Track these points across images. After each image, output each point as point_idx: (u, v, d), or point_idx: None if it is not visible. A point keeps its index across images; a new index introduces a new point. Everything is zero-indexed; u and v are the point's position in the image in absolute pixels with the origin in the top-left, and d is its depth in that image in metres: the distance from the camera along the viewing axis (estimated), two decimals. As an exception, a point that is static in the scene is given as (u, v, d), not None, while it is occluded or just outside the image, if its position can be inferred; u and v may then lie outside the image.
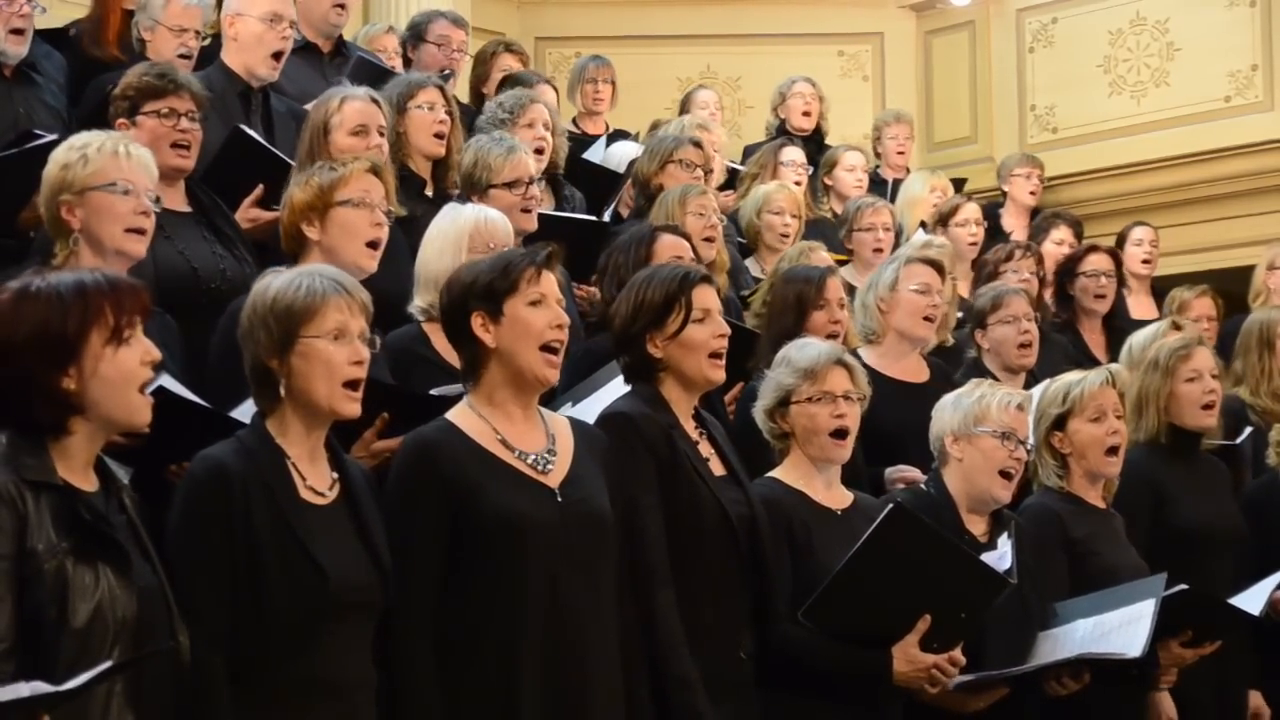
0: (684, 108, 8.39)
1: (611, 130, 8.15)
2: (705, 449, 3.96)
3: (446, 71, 6.85)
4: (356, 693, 3.24)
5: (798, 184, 7.43)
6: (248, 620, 3.13)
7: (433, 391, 3.83)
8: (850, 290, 5.55)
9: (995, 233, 8.16)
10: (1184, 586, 4.35)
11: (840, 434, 4.13)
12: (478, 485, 3.43)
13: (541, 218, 5.22)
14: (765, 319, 5.34)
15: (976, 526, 4.39)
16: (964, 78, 10.64)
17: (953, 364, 5.59)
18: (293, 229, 4.19)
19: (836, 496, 4.20)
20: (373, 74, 6.09)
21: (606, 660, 3.49)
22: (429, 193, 5.31)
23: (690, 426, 3.95)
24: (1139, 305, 7.77)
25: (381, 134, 4.93)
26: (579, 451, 3.61)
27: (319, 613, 3.16)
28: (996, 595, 4.07)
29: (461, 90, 7.56)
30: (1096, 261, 7.09)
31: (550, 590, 3.42)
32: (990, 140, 10.42)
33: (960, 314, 6.08)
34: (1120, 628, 4.22)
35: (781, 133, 8.51)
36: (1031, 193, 8.81)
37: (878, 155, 8.97)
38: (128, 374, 2.92)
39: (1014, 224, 8.61)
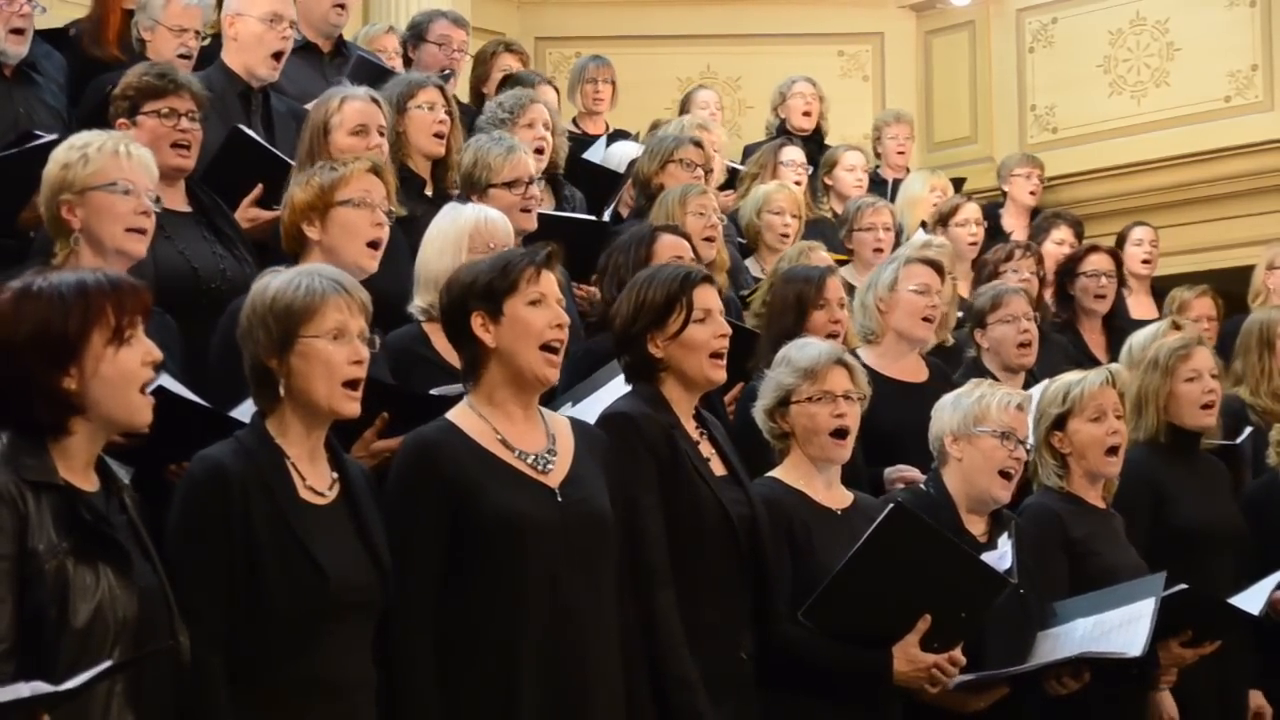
0: (684, 108, 8.39)
1: (611, 130, 8.15)
2: (706, 449, 3.95)
3: (447, 71, 6.85)
4: (356, 693, 3.24)
5: (797, 184, 7.43)
6: (247, 620, 3.13)
7: (433, 391, 3.83)
8: (850, 290, 5.55)
9: (995, 233, 8.16)
10: (1184, 586, 4.35)
11: (840, 434, 4.13)
12: (478, 485, 3.43)
13: (541, 217, 5.22)
14: (765, 319, 5.34)
15: (976, 526, 4.39)
16: (964, 78, 10.64)
17: (953, 364, 5.59)
18: (293, 229, 4.20)
19: (837, 496, 4.20)
20: (373, 74, 6.09)
21: (607, 660, 3.49)
22: (429, 192, 5.31)
23: (691, 426, 3.95)
24: (1139, 305, 7.77)
25: (381, 134, 4.93)
26: (579, 451, 3.61)
27: (319, 613, 3.16)
28: (997, 595, 4.08)
29: (462, 90, 7.56)
30: (1097, 262, 7.09)
31: (550, 590, 3.42)
32: (990, 140, 10.42)
33: (960, 314, 6.08)
34: (1120, 627, 4.22)
35: (782, 132, 8.51)
36: (1031, 193, 8.81)
37: (878, 155, 8.97)
38: (129, 374, 2.92)
39: (1014, 224, 8.61)
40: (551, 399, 4.07)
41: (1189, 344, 5.26)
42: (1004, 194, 8.88)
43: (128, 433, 3.01)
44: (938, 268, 5.42)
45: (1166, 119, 9.72)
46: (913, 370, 5.31)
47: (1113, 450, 4.66)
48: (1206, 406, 5.15)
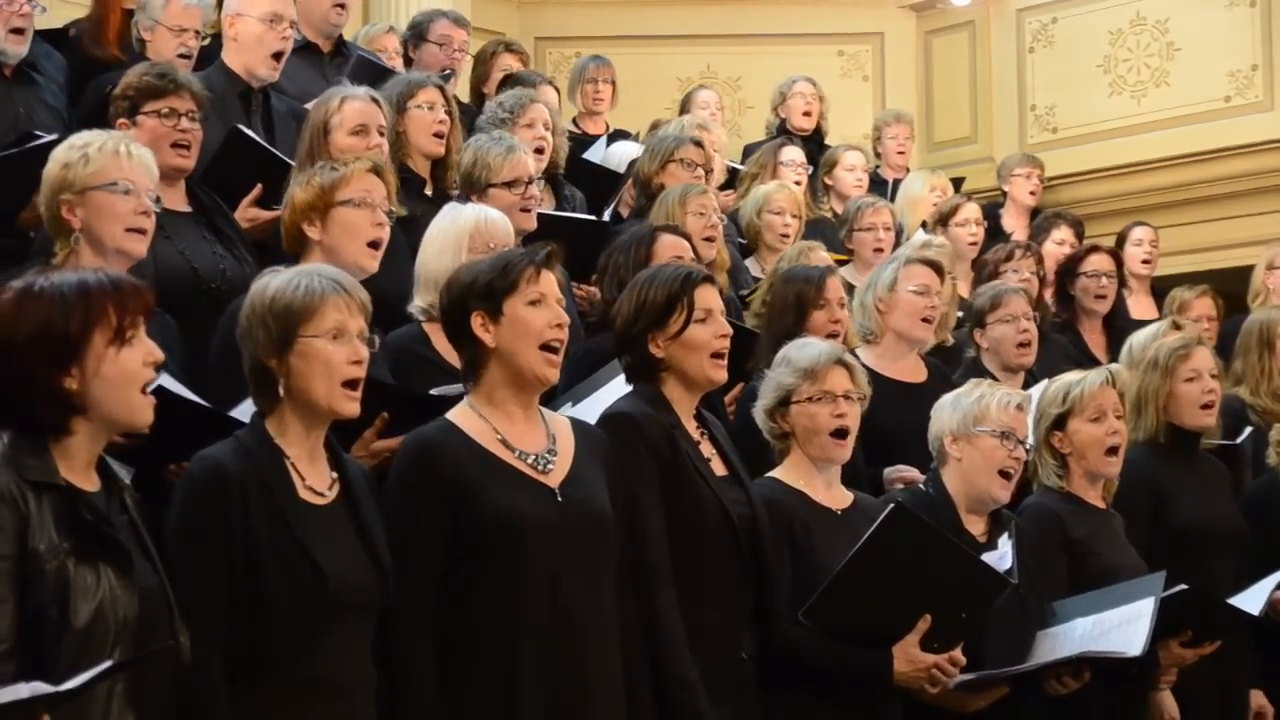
0: (684, 108, 8.39)
1: (612, 130, 8.15)
2: (707, 449, 3.96)
3: (447, 71, 6.85)
4: (356, 693, 3.24)
5: (797, 184, 7.43)
6: (247, 620, 3.13)
7: (433, 391, 3.83)
8: (850, 290, 5.55)
9: (995, 233, 8.16)
10: (1184, 586, 4.36)
11: (841, 434, 4.13)
12: (478, 485, 3.43)
13: (541, 217, 5.22)
14: (765, 319, 5.34)
15: (975, 526, 4.39)
16: (964, 78, 10.64)
17: (952, 364, 5.59)
18: (294, 229, 4.20)
19: (837, 496, 4.20)
20: (373, 74, 6.09)
21: (607, 660, 3.49)
22: (429, 192, 5.31)
23: (692, 426, 3.95)
24: (1139, 305, 7.77)
25: (381, 134, 4.93)
26: (579, 451, 3.61)
27: (318, 613, 3.16)
28: (997, 595, 4.08)
29: (462, 90, 7.56)
30: (1098, 262, 7.09)
31: (550, 590, 3.42)
32: (990, 140, 10.42)
33: (960, 314, 6.08)
34: (1120, 626, 4.22)
35: (782, 132, 8.51)
36: (1031, 193, 8.81)
37: (878, 155, 8.97)
38: (130, 374, 2.92)
39: (1014, 224, 8.61)
40: (551, 399, 4.07)
41: (1189, 344, 5.26)
42: (1004, 194, 8.88)
43: (128, 433, 3.01)
44: (937, 268, 5.42)
45: (1166, 119, 9.72)
46: (911, 370, 5.31)
47: (1113, 450, 4.66)
48: (1206, 406, 5.15)
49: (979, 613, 4.08)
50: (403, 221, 4.64)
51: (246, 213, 4.89)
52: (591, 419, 3.88)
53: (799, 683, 3.95)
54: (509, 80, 7.10)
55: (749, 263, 6.72)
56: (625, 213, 6.50)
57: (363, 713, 3.24)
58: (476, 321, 3.54)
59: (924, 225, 7.54)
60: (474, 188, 5.09)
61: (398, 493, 3.45)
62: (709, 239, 5.65)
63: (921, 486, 4.52)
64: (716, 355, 3.93)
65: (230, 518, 3.14)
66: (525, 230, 4.96)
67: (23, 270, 3.18)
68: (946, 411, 4.45)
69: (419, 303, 4.32)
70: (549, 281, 3.59)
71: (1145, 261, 7.97)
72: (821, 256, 5.96)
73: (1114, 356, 6.11)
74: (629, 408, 3.87)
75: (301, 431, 3.29)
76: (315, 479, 3.28)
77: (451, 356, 3.81)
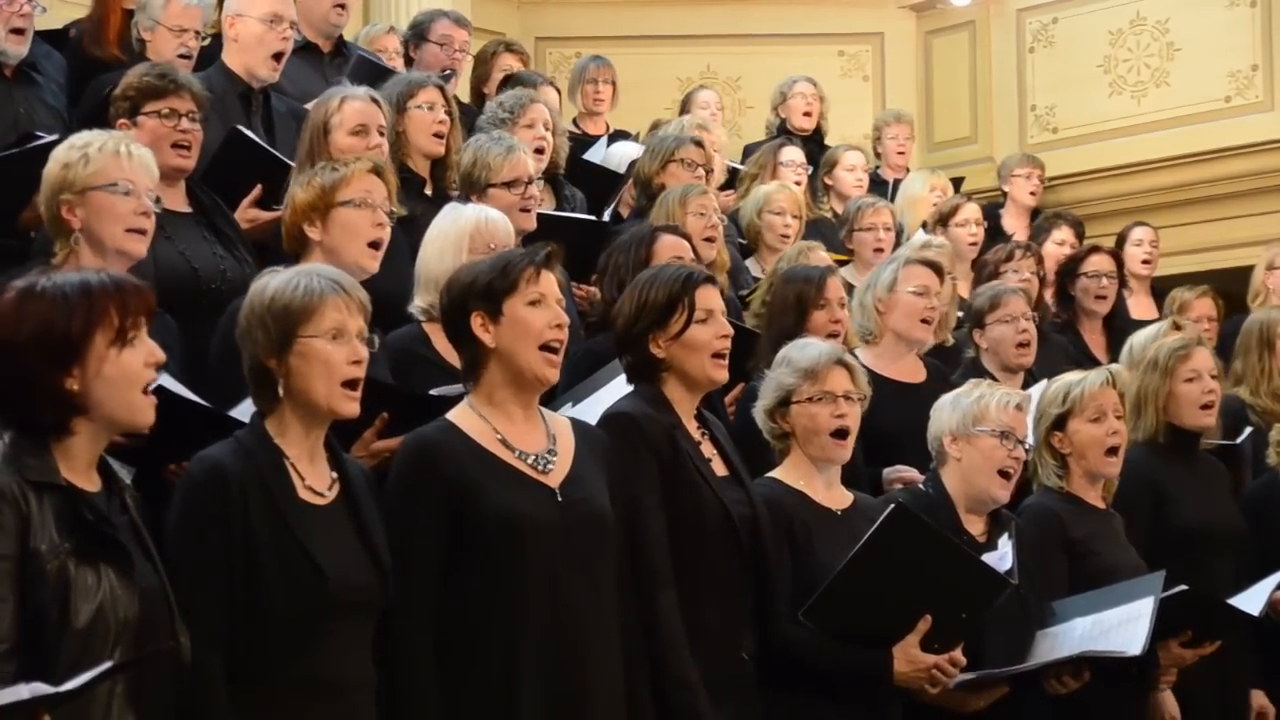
0: (684, 108, 8.40)
1: (612, 130, 8.15)
2: (708, 449, 3.96)
3: (448, 71, 6.85)
4: (356, 693, 3.24)
5: (797, 184, 7.43)
6: (247, 620, 3.13)
7: (433, 391, 3.83)
8: (850, 290, 5.55)
9: (996, 233, 8.16)
10: (1184, 587, 4.36)
11: (841, 434, 4.13)
12: (478, 485, 3.43)
13: (541, 217, 5.22)
14: (765, 319, 5.34)
15: (975, 526, 4.40)
16: (964, 78, 10.64)
17: (952, 364, 5.59)
18: (295, 229, 4.20)
19: (837, 497, 4.20)
20: (373, 74, 6.09)
21: (607, 661, 3.49)
22: (428, 192, 5.31)
23: (693, 427, 3.95)
24: (1139, 305, 7.77)
25: (381, 134, 4.93)
26: (580, 451, 3.61)
27: (318, 613, 3.16)
28: (997, 596, 4.08)
29: (463, 90, 7.56)
30: (1098, 262, 7.09)
31: (551, 590, 3.42)
32: (990, 140, 10.42)
33: (960, 314, 6.08)
34: (1119, 626, 4.22)
35: (782, 132, 8.51)
36: (1032, 193, 8.82)
37: (878, 155, 8.97)
38: (131, 375, 2.92)
39: (1014, 224, 8.62)
40: (551, 399, 4.07)
41: (1188, 344, 5.26)
42: (1004, 194, 8.89)
43: (128, 433, 3.01)
44: (937, 269, 5.42)
45: (1167, 119, 9.72)
46: (910, 371, 5.32)
47: (1113, 450, 4.66)
48: (1206, 407, 5.15)
49: (979, 613, 4.08)
50: (403, 221, 4.64)
51: (246, 213, 4.89)
52: (592, 419, 3.88)
53: (799, 683, 3.95)
54: (509, 80, 7.10)
55: (749, 263, 6.72)
56: (625, 213, 6.50)
57: (363, 713, 3.24)
58: (476, 322, 3.54)
59: (924, 225, 7.54)
60: (474, 188, 5.09)
61: (398, 493, 3.45)
62: (709, 239, 5.65)
63: (921, 486, 4.53)
64: (718, 355, 3.93)
65: (230, 518, 3.14)
66: (525, 230, 4.96)
67: (24, 270, 3.18)
68: (946, 411, 4.45)
69: (419, 303, 4.32)
70: (549, 282, 3.59)
71: (1145, 262, 7.98)
72: (821, 256, 5.96)
73: (1114, 357, 6.11)
74: (630, 408, 3.87)
75: (301, 432, 3.28)
76: (315, 479, 3.28)
77: (451, 356, 3.81)
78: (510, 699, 3.36)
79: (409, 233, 4.66)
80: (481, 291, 3.54)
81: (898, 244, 6.94)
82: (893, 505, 4.05)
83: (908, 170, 8.87)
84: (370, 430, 3.67)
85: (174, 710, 2.97)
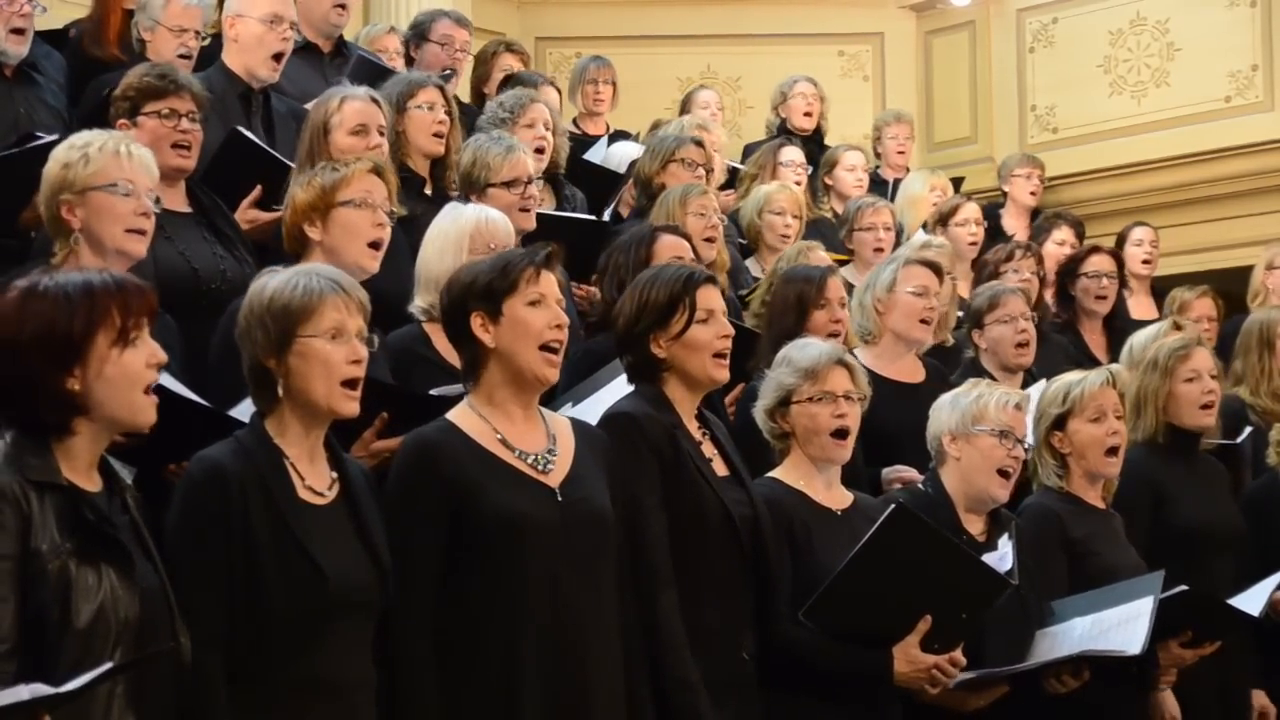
0: (684, 108, 8.40)
1: (612, 130, 8.16)
2: (708, 449, 3.96)
3: (448, 71, 6.86)
4: (356, 693, 3.24)
5: (797, 184, 7.43)
6: (247, 620, 3.13)
7: (433, 391, 3.84)
8: (851, 290, 5.55)
9: (996, 233, 8.16)
10: (1184, 587, 4.36)
11: (841, 434, 4.13)
12: (478, 485, 3.43)
13: (541, 217, 5.22)
14: (765, 319, 5.34)
15: (974, 526, 4.40)
16: (964, 78, 10.64)
17: (951, 364, 5.59)
18: (295, 229, 4.20)
19: (837, 497, 4.20)
20: (373, 74, 6.09)
21: (607, 661, 3.49)
22: (428, 192, 5.31)
23: (693, 427, 3.95)
24: (1139, 305, 7.77)
25: (381, 134, 4.93)
26: (580, 451, 3.61)
27: (318, 613, 3.16)
28: (998, 596, 4.08)
29: (463, 90, 7.56)
30: (1099, 263, 7.09)
31: (551, 590, 3.42)
32: (990, 140, 10.42)
33: (960, 314, 6.08)
34: (1119, 625, 4.22)
35: (782, 132, 8.52)
36: (1032, 193, 8.82)
37: (878, 155, 8.97)
38: (133, 375, 2.92)
39: (1014, 224, 8.62)
40: (552, 399, 4.07)
41: (1188, 344, 5.27)
42: (1004, 194, 8.89)
43: (129, 433, 3.01)
44: (936, 269, 5.42)
45: (1167, 119, 9.72)
46: (910, 371, 5.32)
47: (1112, 450, 4.66)
48: (1206, 407, 5.15)
49: (979, 613, 4.08)
50: (403, 221, 4.65)
51: (246, 214, 4.89)
52: (592, 419, 3.88)
53: (800, 683, 3.95)
54: (510, 80, 7.11)
55: (749, 263, 6.72)
56: (625, 213, 6.50)
57: (363, 713, 3.24)
58: (476, 322, 3.54)
59: (924, 225, 7.54)
60: (473, 187, 5.09)
61: (398, 493, 3.45)
62: (709, 239, 5.65)
63: (920, 486, 4.53)
64: (719, 355, 3.93)
65: (230, 518, 3.14)
66: (525, 230, 4.96)
67: (25, 270, 3.18)
68: (945, 411, 4.45)
69: (419, 303, 4.32)
70: (549, 282, 3.59)
71: (1145, 262, 7.98)
72: (821, 256, 5.96)
73: (1114, 357, 6.12)
74: (631, 408, 3.87)
75: (301, 431, 3.28)
76: (315, 479, 3.28)
77: (452, 356, 3.81)
78: (510, 699, 3.36)
79: (409, 233, 4.66)
80: (481, 291, 3.54)
81: (898, 244, 6.94)
82: (893, 505, 4.05)
83: (908, 170, 8.87)
84: (370, 430, 3.67)
85: (174, 710, 2.97)
